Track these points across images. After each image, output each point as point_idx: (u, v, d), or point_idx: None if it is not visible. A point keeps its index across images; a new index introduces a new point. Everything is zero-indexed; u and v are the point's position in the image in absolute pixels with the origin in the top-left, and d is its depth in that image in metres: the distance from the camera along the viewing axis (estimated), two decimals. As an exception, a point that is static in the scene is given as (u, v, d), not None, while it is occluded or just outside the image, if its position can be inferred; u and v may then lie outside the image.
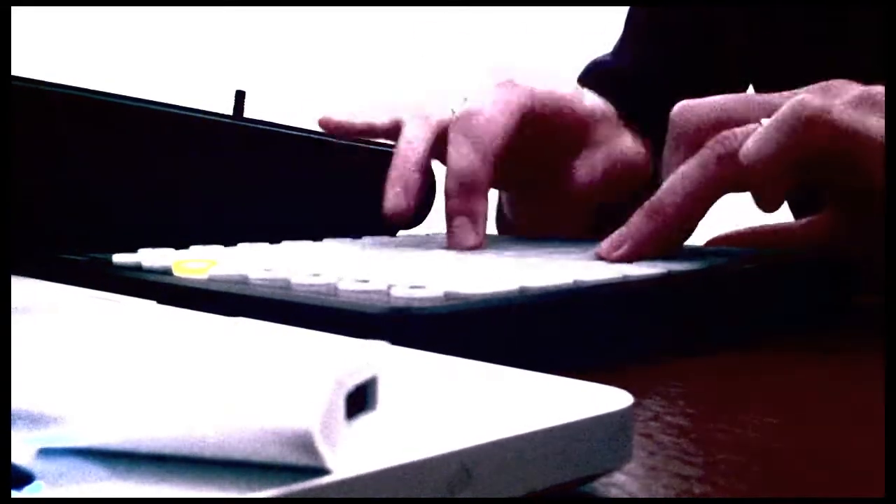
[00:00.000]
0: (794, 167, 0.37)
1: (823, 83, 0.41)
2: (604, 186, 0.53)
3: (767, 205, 0.39)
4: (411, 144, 0.47)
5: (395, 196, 0.46)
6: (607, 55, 0.82)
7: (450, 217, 0.45)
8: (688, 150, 0.41)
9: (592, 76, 0.81)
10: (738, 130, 0.39)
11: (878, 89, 0.40)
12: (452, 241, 0.44)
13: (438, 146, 0.48)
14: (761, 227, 0.48)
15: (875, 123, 0.37)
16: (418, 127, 0.48)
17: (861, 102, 0.39)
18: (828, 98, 0.39)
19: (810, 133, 0.37)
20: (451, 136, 0.45)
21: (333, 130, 0.52)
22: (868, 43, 0.57)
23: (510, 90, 0.47)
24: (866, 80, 0.41)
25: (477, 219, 0.44)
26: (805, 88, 0.41)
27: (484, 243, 0.44)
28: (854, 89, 0.40)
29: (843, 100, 0.39)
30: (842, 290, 0.43)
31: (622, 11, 0.82)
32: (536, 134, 0.48)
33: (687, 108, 0.41)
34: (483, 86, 0.48)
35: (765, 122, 0.38)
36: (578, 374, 0.20)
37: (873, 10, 0.59)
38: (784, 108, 0.37)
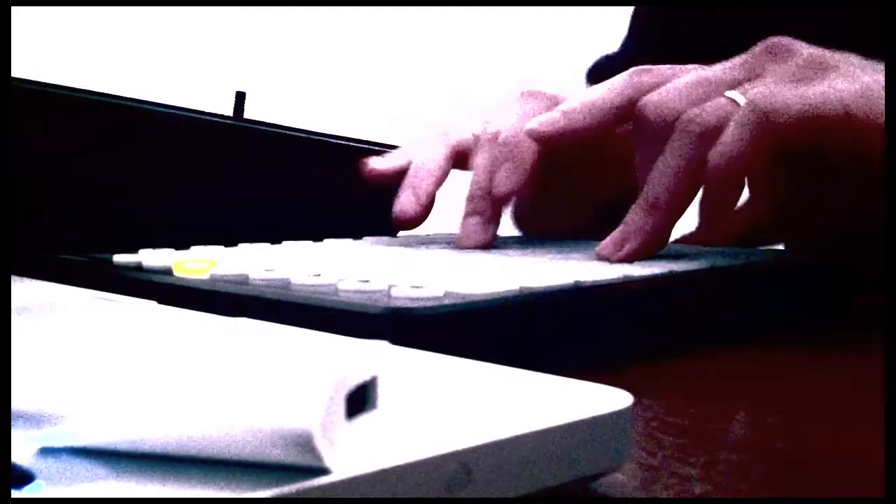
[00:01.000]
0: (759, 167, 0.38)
1: (764, 47, 0.40)
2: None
3: (713, 218, 0.39)
4: (424, 165, 0.48)
5: (405, 198, 0.47)
6: (615, 51, 0.82)
7: (466, 215, 0.45)
8: (655, 139, 0.40)
9: (599, 73, 0.81)
10: (704, 107, 0.38)
11: (824, 54, 0.39)
12: (461, 236, 0.45)
13: (455, 166, 0.49)
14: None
15: (822, 92, 0.37)
16: (431, 149, 0.49)
17: (808, 70, 0.38)
18: (775, 83, 0.38)
19: (777, 132, 0.37)
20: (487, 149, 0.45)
21: (377, 177, 0.51)
22: (868, 41, 0.57)
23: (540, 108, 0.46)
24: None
25: (490, 219, 0.45)
26: (752, 56, 0.40)
27: (492, 243, 0.45)
28: (798, 55, 0.39)
29: (787, 72, 0.39)
30: (841, 290, 0.43)
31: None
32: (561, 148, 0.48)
33: (655, 105, 0.41)
34: (503, 97, 0.48)
35: (729, 93, 0.38)
36: (578, 374, 0.20)
37: (875, 11, 0.59)
38: (743, 111, 0.37)
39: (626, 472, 0.19)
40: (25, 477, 0.13)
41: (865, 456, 0.21)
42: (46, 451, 0.14)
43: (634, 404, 0.18)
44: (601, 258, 0.39)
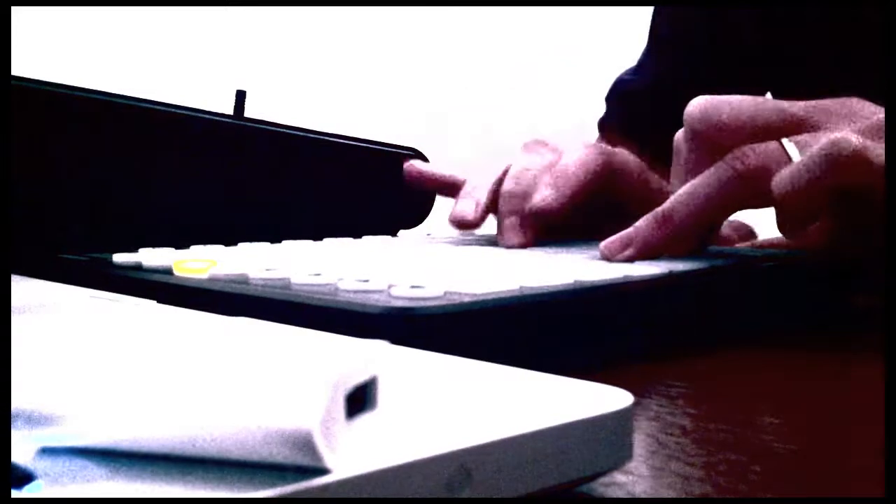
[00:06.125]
0: (823, 199, 0.37)
1: (839, 102, 0.40)
2: None
3: (790, 232, 0.39)
4: (480, 182, 0.50)
5: (465, 203, 0.48)
6: (630, 70, 0.83)
7: (502, 216, 0.47)
8: (703, 148, 0.40)
9: (616, 97, 0.83)
10: (757, 147, 0.38)
11: (881, 117, 0.39)
12: (501, 240, 0.46)
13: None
14: (763, 241, 0.49)
15: (882, 152, 0.37)
16: (482, 178, 0.51)
17: (877, 131, 0.39)
18: (856, 129, 0.38)
19: (848, 171, 0.36)
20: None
21: (420, 179, 0.55)
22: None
23: (596, 150, 0.48)
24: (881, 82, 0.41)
25: (526, 220, 0.46)
26: (823, 105, 0.40)
27: (530, 244, 0.46)
28: (871, 115, 0.40)
29: (865, 127, 0.39)
30: (841, 290, 0.43)
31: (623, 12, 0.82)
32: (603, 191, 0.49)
33: (705, 106, 0.41)
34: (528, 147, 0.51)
35: (785, 142, 0.38)
36: (578, 374, 0.20)
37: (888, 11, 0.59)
38: (822, 145, 0.36)
39: (627, 471, 0.19)
40: (25, 477, 0.13)
41: (865, 456, 0.21)
42: (46, 451, 0.14)
43: (634, 404, 0.18)
44: (602, 256, 0.39)
